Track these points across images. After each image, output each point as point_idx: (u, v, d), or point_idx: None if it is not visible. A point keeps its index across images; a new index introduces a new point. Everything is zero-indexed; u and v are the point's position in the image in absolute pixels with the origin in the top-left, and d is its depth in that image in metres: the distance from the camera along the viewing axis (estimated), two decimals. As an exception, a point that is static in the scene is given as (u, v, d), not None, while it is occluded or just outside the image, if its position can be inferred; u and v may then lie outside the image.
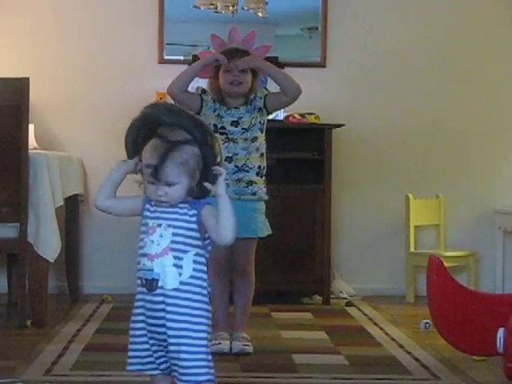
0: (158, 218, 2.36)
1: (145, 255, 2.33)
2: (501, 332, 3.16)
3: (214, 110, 3.74)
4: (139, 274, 2.35)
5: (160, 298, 2.30)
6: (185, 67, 5.29)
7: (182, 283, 2.30)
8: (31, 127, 4.77)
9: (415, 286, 5.38)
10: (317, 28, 5.59)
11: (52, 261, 4.29)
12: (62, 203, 4.48)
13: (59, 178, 4.41)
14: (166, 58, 5.50)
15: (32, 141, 4.89)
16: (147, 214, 2.38)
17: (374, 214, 5.61)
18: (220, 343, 3.65)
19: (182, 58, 5.49)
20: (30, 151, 4.24)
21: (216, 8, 5.34)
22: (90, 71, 5.49)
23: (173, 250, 2.32)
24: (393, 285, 5.56)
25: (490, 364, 3.55)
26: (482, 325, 3.38)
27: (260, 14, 5.42)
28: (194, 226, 2.35)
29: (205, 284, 2.35)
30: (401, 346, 3.97)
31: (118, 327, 4.28)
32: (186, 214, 2.35)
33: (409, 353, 3.83)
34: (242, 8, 5.37)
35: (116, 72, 5.50)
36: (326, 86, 5.61)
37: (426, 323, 4.33)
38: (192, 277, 2.33)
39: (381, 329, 4.42)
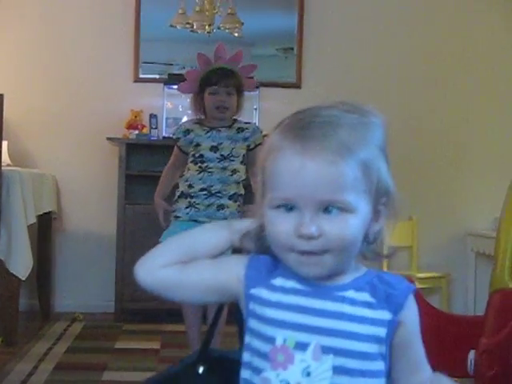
0: (300, 326, 1.14)
1: None
2: (472, 354, 3.17)
3: (190, 142, 3.65)
4: None
5: None
6: (160, 86, 5.35)
7: None
8: (5, 144, 4.74)
9: (388, 307, 5.38)
10: (292, 48, 5.61)
11: (23, 278, 4.26)
12: (34, 220, 4.46)
13: (32, 195, 4.40)
14: (142, 76, 5.49)
15: (5, 157, 4.86)
16: (271, 308, 1.16)
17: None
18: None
19: (157, 76, 5.49)
20: (3, 168, 4.22)
21: (192, 27, 5.34)
22: (65, 89, 5.47)
23: None
24: (365, 306, 5.55)
25: (460, 386, 3.56)
26: (453, 346, 3.39)
27: (236, 34, 5.43)
28: (380, 348, 1.18)
29: None
30: (373, 367, 3.97)
31: (89, 346, 4.25)
32: (366, 318, 1.16)
33: (380, 374, 3.82)
34: (218, 28, 5.38)
35: (91, 90, 5.49)
36: (301, 106, 5.49)
37: (398, 344, 4.33)
38: None
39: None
